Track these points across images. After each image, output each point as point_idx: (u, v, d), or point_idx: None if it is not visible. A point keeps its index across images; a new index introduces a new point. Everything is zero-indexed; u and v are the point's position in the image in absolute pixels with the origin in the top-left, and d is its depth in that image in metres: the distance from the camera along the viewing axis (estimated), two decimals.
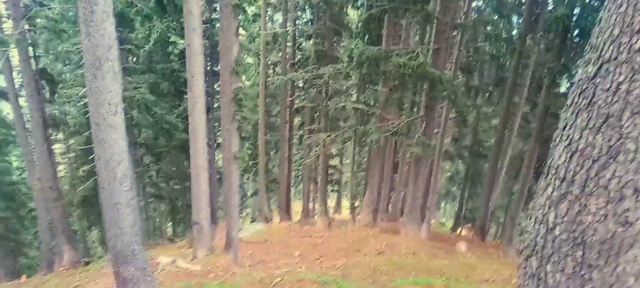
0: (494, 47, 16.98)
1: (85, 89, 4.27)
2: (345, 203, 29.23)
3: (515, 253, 13.55)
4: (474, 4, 17.48)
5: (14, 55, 14.32)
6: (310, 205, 23.73)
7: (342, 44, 19.92)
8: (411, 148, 11.77)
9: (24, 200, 21.15)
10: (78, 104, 17.17)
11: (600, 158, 1.59)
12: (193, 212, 9.62)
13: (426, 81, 11.47)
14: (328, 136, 15.38)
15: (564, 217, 1.72)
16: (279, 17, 22.31)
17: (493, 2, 17.06)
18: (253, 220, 24.14)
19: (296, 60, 20.66)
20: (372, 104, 15.59)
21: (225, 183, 10.12)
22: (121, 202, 4.24)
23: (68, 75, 19.19)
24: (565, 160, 1.74)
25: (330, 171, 24.15)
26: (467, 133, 21.06)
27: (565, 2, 12.61)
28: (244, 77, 21.46)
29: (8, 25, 14.33)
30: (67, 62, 19.00)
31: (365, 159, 22.39)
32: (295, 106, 20.93)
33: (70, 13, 14.09)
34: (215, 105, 20.09)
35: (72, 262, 14.79)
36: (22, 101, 15.11)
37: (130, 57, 16.87)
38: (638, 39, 1.48)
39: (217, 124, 20.53)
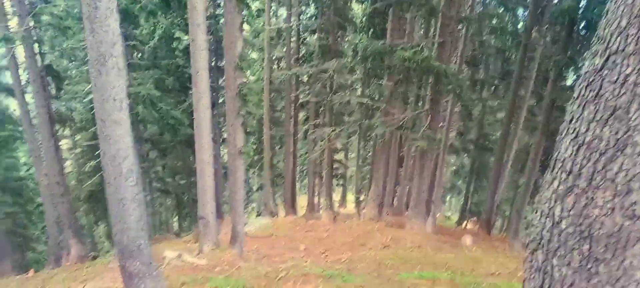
0: (500, 40, 16.86)
1: (90, 85, 4.28)
2: (351, 197, 29.25)
3: (521, 246, 13.51)
4: None
5: (20, 52, 14.40)
6: (316, 199, 23.78)
7: (346, 39, 19.87)
8: (416, 142, 11.73)
9: (31, 195, 21.35)
10: (84, 100, 17.24)
11: (607, 151, 1.57)
12: (199, 207, 9.66)
13: (431, 75, 11.41)
14: (333, 131, 15.39)
15: (570, 210, 1.71)
16: (283, 12, 22.28)
17: None
18: (258, 215, 24.24)
19: (300, 55, 20.61)
20: (376, 98, 15.57)
21: (231, 178, 10.16)
22: (127, 198, 4.26)
23: (74, 71, 19.29)
24: (571, 153, 1.73)
25: (335, 165, 24.15)
26: (473, 126, 20.96)
27: None
28: (248, 73, 21.48)
29: (13, 22, 14.39)
30: (72, 58, 19.07)
31: (370, 153, 22.36)
32: (299, 101, 20.92)
33: (75, 10, 14.12)
34: (220, 101, 20.12)
35: (79, 256, 14.93)
36: (28, 98, 15.21)
37: (135, 53, 16.90)
38: None
39: (222, 119, 20.57)
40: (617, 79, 1.53)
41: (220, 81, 19.86)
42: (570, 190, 1.72)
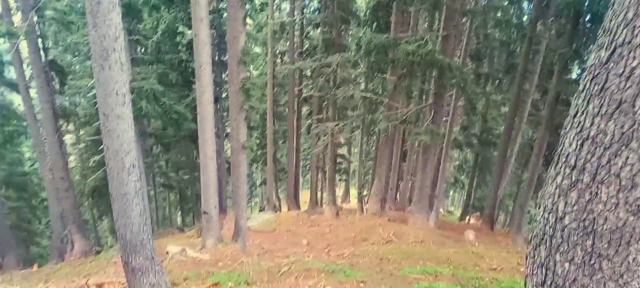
0: (504, 33, 16.75)
1: (93, 80, 4.28)
2: (354, 192, 29.26)
3: (523, 241, 13.49)
4: None
5: (24, 47, 14.43)
6: (319, 194, 23.81)
7: (350, 32, 19.78)
8: (420, 136, 11.69)
9: (35, 190, 21.51)
10: (87, 95, 17.30)
11: (612, 146, 1.55)
12: (202, 202, 9.70)
13: (435, 69, 11.35)
14: (336, 125, 15.37)
15: (573, 205, 1.69)
16: (286, 5, 22.23)
17: None
18: (261, 210, 24.29)
19: (304, 49, 20.57)
20: (380, 92, 15.51)
21: (234, 173, 10.18)
22: (130, 192, 4.26)
23: (77, 66, 19.38)
24: (576, 148, 1.71)
25: (338, 160, 24.16)
26: (476, 121, 20.87)
27: None
28: (251, 67, 21.47)
29: (17, 17, 14.42)
30: (76, 53, 19.15)
31: (373, 148, 22.33)
32: (303, 95, 20.90)
33: (78, 4, 14.13)
34: (224, 95, 20.14)
35: (83, 251, 15.03)
36: (32, 93, 15.27)
37: (139, 48, 16.93)
38: None
39: (225, 113, 20.61)
40: (623, 71, 1.51)
41: (224, 75, 19.87)
42: (574, 185, 1.70)
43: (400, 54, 10.51)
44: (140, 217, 4.35)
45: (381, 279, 6.48)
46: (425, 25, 16.56)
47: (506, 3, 16.22)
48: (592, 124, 1.63)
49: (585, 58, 12.81)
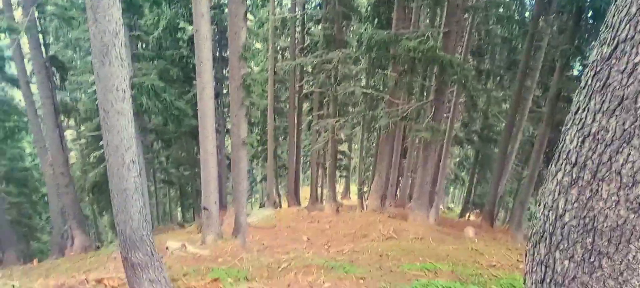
0: (506, 29, 16.69)
1: (94, 76, 4.27)
2: (354, 188, 29.28)
3: (523, 238, 13.50)
4: None
5: (25, 43, 14.43)
6: (319, 190, 23.83)
7: (351, 28, 19.74)
8: (420, 133, 11.68)
9: (36, 185, 21.56)
10: (88, 91, 17.30)
11: (614, 143, 1.53)
12: (202, 198, 9.71)
13: (436, 65, 11.31)
14: (337, 121, 15.36)
15: (574, 203, 1.68)
16: (287, 1, 22.14)
17: None
18: (262, 206, 24.33)
19: (305, 45, 20.53)
20: (381, 88, 15.49)
21: (234, 169, 10.18)
22: (130, 188, 4.26)
23: (78, 62, 19.38)
24: (576, 145, 1.69)
25: (339, 157, 24.16)
26: (477, 118, 20.85)
27: None
28: (252, 63, 21.45)
29: (18, 13, 14.41)
30: (77, 49, 19.16)
31: (374, 144, 22.33)
32: (304, 91, 20.87)
33: (79, 0, 14.13)
34: (225, 91, 20.13)
35: (83, 246, 15.08)
36: (33, 88, 15.27)
37: (140, 44, 16.92)
38: None
39: (226, 109, 20.62)
40: (626, 67, 1.49)
41: (225, 71, 19.86)
42: (575, 182, 1.69)
43: (402, 50, 10.48)
44: (139, 213, 4.35)
45: (380, 276, 6.48)
46: (427, 21, 16.53)
47: None
48: (593, 121, 1.62)
49: (587, 55, 12.77)
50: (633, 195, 1.49)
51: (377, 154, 17.23)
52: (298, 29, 19.76)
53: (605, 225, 1.57)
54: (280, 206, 22.08)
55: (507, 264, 8.02)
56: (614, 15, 1.59)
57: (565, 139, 1.79)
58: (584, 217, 1.64)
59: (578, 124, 1.70)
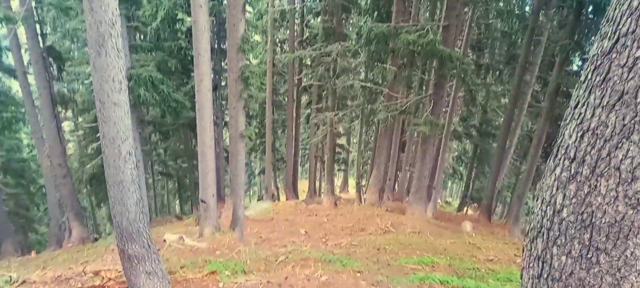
0: (506, 23, 16.64)
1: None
2: (352, 182, 29.32)
3: (521, 233, 13.55)
4: None
5: (22, 33, 14.32)
6: (317, 183, 23.85)
7: (350, 21, 19.64)
8: (419, 127, 11.66)
9: (34, 177, 21.51)
10: (85, 82, 17.22)
11: (613, 138, 1.52)
12: (200, 190, 9.69)
13: (435, 59, 11.28)
14: (335, 115, 15.33)
15: (572, 198, 1.67)
16: None
17: None
18: (260, 198, 24.37)
19: (304, 37, 20.44)
20: (380, 82, 15.44)
21: (232, 162, 10.16)
22: (126, 180, 4.24)
23: (76, 52, 19.26)
24: (575, 140, 1.68)
25: (337, 150, 24.15)
26: (476, 112, 20.85)
27: None
28: (251, 55, 21.35)
29: (15, 2, 14.29)
30: (74, 39, 19.02)
31: (372, 138, 22.32)
32: (302, 84, 20.82)
33: None
34: (223, 83, 20.06)
35: (80, 238, 15.07)
36: (30, 79, 15.18)
37: (138, 35, 16.82)
38: None
39: (224, 102, 20.55)
40: (626, 62, 1.47)
41: (223, 63, 19.78)
42: (573, 177, 1.67)
43: (401, 43, 10.44)
44: (136, 205, 4.33)
45: (378, 269, 6.50)
46: (427, 15, 16.44)
47: None
48: (593, 116, 1.60)
49: (587, 50, 12.74)
50: (632, 191, 1.47)
51: (376, 148, 17.23)
52: (297, 21, 19.67)
53: (603, 221, 1.55)
54: (278, 199, 22.10)
55: (504, 258, 8.05)
56: (615, 9, 1.57)
57: (564, 134, 1.77)
58: (582, 212, 1.62)
59: (577, 118, 1.69)
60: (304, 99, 23.46)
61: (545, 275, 1.80)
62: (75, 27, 14.40)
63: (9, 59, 16.37)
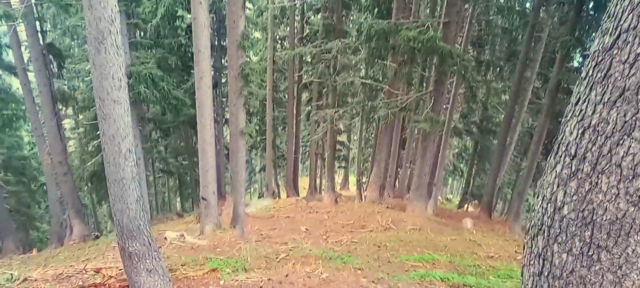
0: (506, 20, 16.60)
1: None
2: (353, 179, 29.32)
3: (521, 229, 13.55)
4: None
5: (22, 29, 14.29)
6: (318, 181, 23.84)
7: (351, 18, 19.60)
8: (419, 124, 11.65)
9: (35, 174, 21.52)
10: (86, 79, 17.19)
11: (614, 135, 1.51)
12: (200, 188, 9.69)
13: (436, 55, 11.24)
14: (336, 112, 15.29)
15: (573, 195, 1.66)
16: None
17: None
18: (261, 196, 24.36)
19: (304, 34, 20.41)
20: (380, 79, 15.41)
21: (233, 159, 10.16)
22: (126, 178, 4.23)
23: (76, 50, 19.24)
24: (576, 137, 1.67)
25: (337, 147, 24.13)
26: (477, 109, 20.83)
27: None
28: (251, 52, 21.31)
29: None
30: (75, 36, 19.00)
31: (373, 135, 22.30)
32: (303, 81, 20.79)
33: None
34: (224, 81, 20.04)
35: (81, 235, 15.08)
36: (31, 76, 15.16)
37: (138, 32, 16.79)
38: None
39: (225, 99, 20.53)
40: (628, 58, 1.46)
41: (224, 60, 19.76)
42: (574, 174, 1.67)
43: (401, 40, 10.41)
44: (137, 202, 4.32)
45: (378, 266, 6.50)
46: (427, 11, 16.41)
47: None
48: (593, 112, 1.59)
49: (588, 46, 12.70)
50: (633, 188, 1.46)
51: (376, 145, 17.21)
52: (297, 18, 19.63)
53: (604, 218, 1.55)
54: (279, 196, 22.10)
55: (504, 255, 8.05)
56: (616, 4, 1.55)
57: (564, 131, 1.77)
58: (583, 209, 1.62)
59: (578, 115, 1.68)
60: (305, 96, 23.44)
61: (546, 273, 1.79)
62: (75, 24, 14.37)
63: (9, 56, 16.36)
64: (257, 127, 24.57)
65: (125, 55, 13.35)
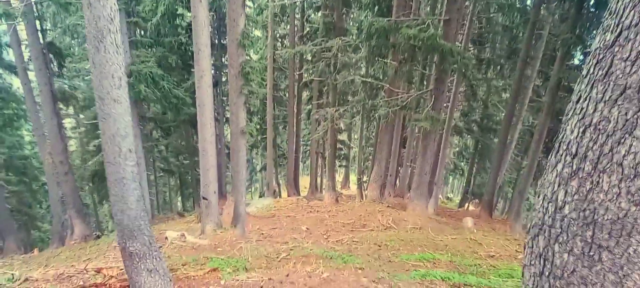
0: (507, 17, 16.54)
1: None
2: (354, 178, 29.31)
3: (522, 228, 13.53)
4: None
5: (22, 28, 14.28)
6: (318, 180, 23.84)
7: (351, 16, 19.56)
8: (420, 122, 11.62)
9: (36, 174, 21.53)
10: (86, 78, 17.21)
11: (616, 133, 1.49)
12: (201, 187, 9.69)
13: (436, 53, 11.22)
14: (336, 110, 15.27)
15: (574, 195, 1.65)
16: None
17: None
18: (261, 195, 24.37)
19: (305, 32, 20.39)
20: (381, 77, 15.39)
21: (233, 158, 10.15)
22: (127, 177, 4.22)
23: (76, 49, 19.23)
24: (577, 135, 1.65)
25: (338, 146, 24.12)
26: (477, 107, 20.80)
27: None
28: (251, 51, 21.30)
29: None
30: (75, 35, 18.98)
31: (373, 134, 22.28)
32: (303, 80, 20.77)
33: None
34: (224, 79, 20.02)
35: (83, 235, 15.09)
36: (31, 75, 15.16)
37: (138, 30, 16.78)
38: None
39: (226, 98, 20.52)
40: (629, 55, 1.44)
41: (224, 59, 19.74)
42: (575, 173, 1.65)
43: (402, 38, 10.38)
44: (137, 202, 4.32)
45: (379, 266, 6.49)
46: (427, 9, 16.36)
47: None
48: (595, 110, 1.58)
49: (589, 43, 12.66)
50: (635, 187, 1.45)
51: (377, 144, 17.19)
52: (298, 16, 19.60)
53: (605, 218, 1.53)
54: (280, 195, 22.12)
55: (505, 254, 8.04)
56: (617, 1, 1.54)
57: (565, 129, 1.75)
58: (584, 209, 1.60)
59: (579, 113, 1.66)
60: (305, 94, 23.42)
61: (547, 273, 1.78)
62: (76, 22, 14.37)
63: (10, 56, 16.35)
64: (258, 126, 24.58)
65: (126, 54, 13.35)
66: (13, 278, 5.44)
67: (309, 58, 20.39)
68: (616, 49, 1.50)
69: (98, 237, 16.05)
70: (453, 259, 7.09)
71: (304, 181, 25.65)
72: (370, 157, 20.86)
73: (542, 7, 13.74)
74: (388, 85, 13.52)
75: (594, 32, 12.85)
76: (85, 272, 5.68)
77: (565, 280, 1.69)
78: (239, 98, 9.47)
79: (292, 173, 21.57)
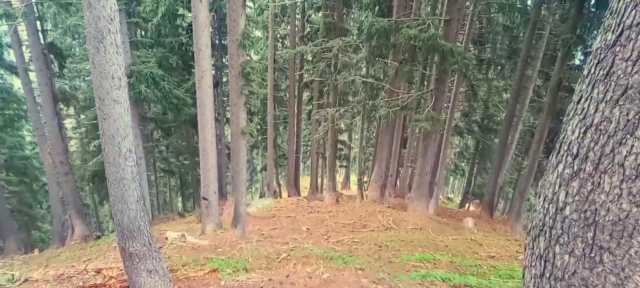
0: (508, 17, 16.53)
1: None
2: (354, 178, 29.29)
3: (523, 229, 13.51)
4: None
5: (23, 29, 14.29)
6: (319, 180, 23.83)
7: (352, 16, 19.56)
8: (420, 123, 11.60)
9: (36, 174, 21.53)
10: (87, 79, 17.21)
11: (617, 134, 1.48)
12: (201, 187, 9.69)
13: (437, 54, 11.20)
14: (337, 111, 15.26)
15: (575, 195, 1.64)
16: None
17: None
18: (262, 195, 24.36)
19: (305, 33, 20.38)
20: (381, 77, 15.38)
21: (234, 158, 10.14)
22: (127, 178, 4.22)
23: (77, 49, 19.25)
24: (578, 136, 1.64)
25: (339, 146, 24.11)
26: (478, 107, 20.78)
27: None
28: (252, 51, 21.30)
29: None
30: (75, 36, 19.00)
31: (374, 134, 22.25)
32: (304, 80, 20.76)
33: None
34: (225, 80, 20.02)
35: (83, 235, 15.09)
36: (32, 76, 15.17)
37: (138, 31, 16.78)
38: None
39: (226, 98, 20.52)
40: (631, 55, 1.43)
41: (224, 59, 19.74)
42: (576, 174, 1.64)
43: (402, 38, 10.37)
44: (137, 202, 4.31)
45: (380, 266, 6.48)
46: (428, 9, 16.35)
47: None
48: (596, 111, 1.57)
49: (590, 43, 12.63)
50: (636, 188, 1.44)
51: (377, 144, 17.17)
52: (298, 16, 19.60)
53: (607, 219, 1.52)
54: (280, 196, 22.10)
55: (506, 255, 8.02)
56: (619, 1, 1.53)
57: (566, 130, 1.74)
58: (585, 210, 1.59)
59: (580, 114, 1.65)
60: (306, 94, 23.41)
61: (548, 274, 1.77)
62: (76, 23, 14.37)
63: (10, 56, 16.36)
64: (259, 127, 24.57)
65: (126, 54, 13.35)
66: (13, 278, 5.44)
67: (310, 58, 20.39)
68: (617, 49, 1.48)
69: (98, 237, 16.05)
70: (453, 260, 7.07)
71: (305, 181, 25.63)
72: (371, 158, 20.85)
73: (542, 7, 13.73)
74: (388, 86, 13.51)
75: (595, 31, 12.83)
76: (85, 272, 5.68)
77: (566, 281, 1.68)
78: (240, 98, 9.47)
79: (293, 174, 21.55)
